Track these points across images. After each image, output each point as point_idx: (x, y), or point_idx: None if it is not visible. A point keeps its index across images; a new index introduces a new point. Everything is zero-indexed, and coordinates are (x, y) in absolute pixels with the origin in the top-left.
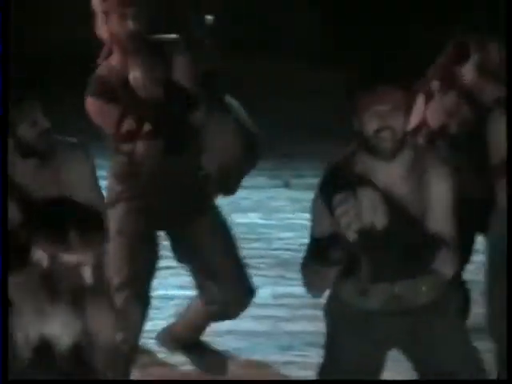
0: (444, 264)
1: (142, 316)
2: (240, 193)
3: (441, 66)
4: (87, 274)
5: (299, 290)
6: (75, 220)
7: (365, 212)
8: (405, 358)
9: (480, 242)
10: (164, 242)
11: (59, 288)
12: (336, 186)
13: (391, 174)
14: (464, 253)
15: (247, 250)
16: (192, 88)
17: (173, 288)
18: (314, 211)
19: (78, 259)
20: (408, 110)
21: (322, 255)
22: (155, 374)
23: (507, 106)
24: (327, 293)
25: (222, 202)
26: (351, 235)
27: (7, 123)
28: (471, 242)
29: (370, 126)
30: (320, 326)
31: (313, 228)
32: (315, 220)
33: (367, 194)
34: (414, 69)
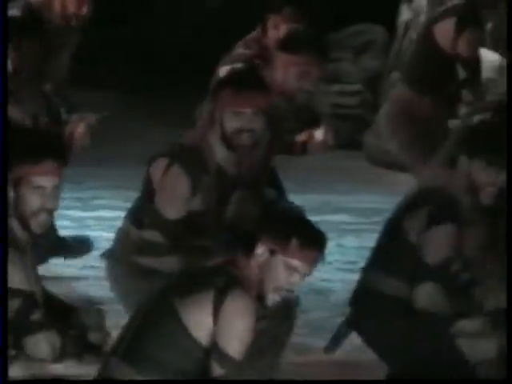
0: None
1: None
2: None
3: (254, 39)
4: (297, 279)
5: None
6: (300, 231)
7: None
8: None
9: None
10: None
11: None
12: (192, 167)
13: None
14: None
15: None
16: None
17: None
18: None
19: (296, 265)
20: (267, 110)
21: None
22: None
23: (507, 107)
24: None
25: None
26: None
27: (7, 121)
28: None
29: (231, 124)
30: None
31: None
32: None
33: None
34: None
